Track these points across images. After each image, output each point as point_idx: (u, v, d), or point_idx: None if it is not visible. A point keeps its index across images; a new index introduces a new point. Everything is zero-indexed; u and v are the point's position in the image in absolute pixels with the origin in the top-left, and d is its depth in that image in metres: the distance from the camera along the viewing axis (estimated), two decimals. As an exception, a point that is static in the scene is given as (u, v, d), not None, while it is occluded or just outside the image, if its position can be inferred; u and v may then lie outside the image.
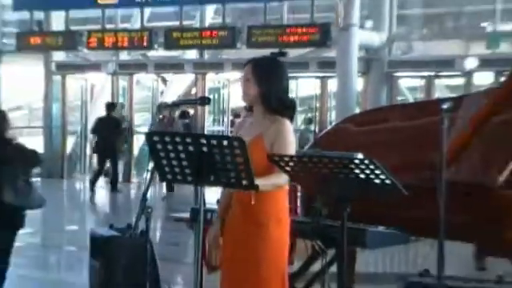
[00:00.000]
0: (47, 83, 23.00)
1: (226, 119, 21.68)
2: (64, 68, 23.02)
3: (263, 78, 4.84)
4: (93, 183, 18.39)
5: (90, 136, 20.65)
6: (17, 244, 11.71)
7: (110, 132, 18.38)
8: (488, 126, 6.00)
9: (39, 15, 22.07)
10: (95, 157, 20.09)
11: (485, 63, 16.73)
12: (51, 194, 14.57)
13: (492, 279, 5.52)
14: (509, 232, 5.56)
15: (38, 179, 15.71)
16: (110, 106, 19.03)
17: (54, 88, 22.86)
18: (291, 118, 4.96)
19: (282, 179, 4.74)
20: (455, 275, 5.39)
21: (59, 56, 22.79)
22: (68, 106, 22.86)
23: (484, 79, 16.69)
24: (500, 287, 5.27)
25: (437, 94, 17.64)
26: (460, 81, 17.61)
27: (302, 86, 20.82)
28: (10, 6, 22.83)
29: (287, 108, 4.92)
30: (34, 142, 16.74)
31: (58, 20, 21.97)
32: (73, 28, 21.59)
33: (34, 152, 7.71)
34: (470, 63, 16.74)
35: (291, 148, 4.78)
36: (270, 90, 4.83)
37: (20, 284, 9.40)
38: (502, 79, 7.07)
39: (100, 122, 18.70)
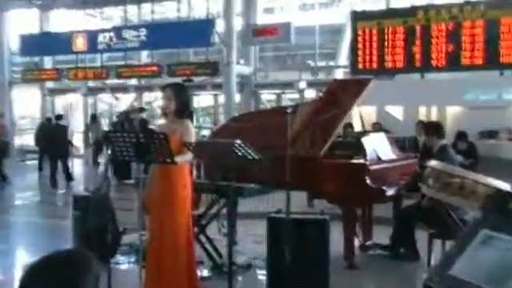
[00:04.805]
0: (42, 102, 22.32)
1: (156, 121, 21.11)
2: (53, 92, 22.22)
3: (180, 98, 4.73)
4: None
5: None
6: (28, 202, 11.20)
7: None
8: (312, 122, 6.10)
9: (36, 59, 21.44)
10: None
11: (310, 85, 16.94)
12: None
13: (317, 212, 5.55)
14: (325, 185, 5.77)
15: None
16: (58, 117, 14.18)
17: (47, 105, 22.17)
18: (192, 119, 4.95)
19: (189, 156, 4.66)
20: (296, 211, 5.33)
21: (50, 84, 21.95)
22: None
23: (310, 94, 16.95)
24: (323, 217, 5.21)
25: (283, 103, 17.70)
26: (297, 95, 17.79)
27: (203, 100, 20.56)
28: (17, 53, 22.08)
29: (190, 114, 4.93)
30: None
31: (48, 61, 21.31)
32: (58, 66, 20.95)
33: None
34: (302, 85, 16.95)
35: (193, 137, 4.72)
36: (182, 104, 4.74)
37: (27, 227, 9.16)
38: (320, 94, 7.17)
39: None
